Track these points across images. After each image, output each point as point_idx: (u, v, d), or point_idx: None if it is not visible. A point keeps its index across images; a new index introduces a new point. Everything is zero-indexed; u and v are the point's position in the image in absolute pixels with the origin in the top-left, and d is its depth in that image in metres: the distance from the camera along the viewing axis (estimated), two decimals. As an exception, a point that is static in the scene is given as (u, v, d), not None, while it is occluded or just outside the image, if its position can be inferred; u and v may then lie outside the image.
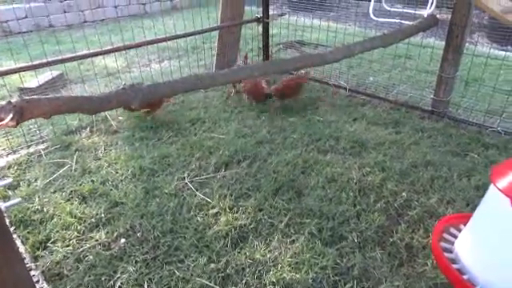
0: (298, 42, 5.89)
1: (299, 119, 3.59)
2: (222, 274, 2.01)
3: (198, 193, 2.61)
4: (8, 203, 1.97)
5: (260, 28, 4.86)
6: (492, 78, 4.27)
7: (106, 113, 3.62)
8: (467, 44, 3.86)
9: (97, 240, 2.23)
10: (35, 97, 1.59)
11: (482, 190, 2.49)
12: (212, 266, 2.06)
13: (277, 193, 2.60)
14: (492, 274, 1.85)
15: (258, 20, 4.71)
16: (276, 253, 2.13)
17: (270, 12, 4.72)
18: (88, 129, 3.48)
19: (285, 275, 1.99)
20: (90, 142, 3.25)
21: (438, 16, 3.52)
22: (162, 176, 2.79)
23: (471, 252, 1.97)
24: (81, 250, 2.17)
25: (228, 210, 2.44)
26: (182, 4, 9.16)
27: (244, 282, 1.98)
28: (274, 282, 1.96)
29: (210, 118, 3.62)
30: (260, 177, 2.75)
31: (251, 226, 2.31)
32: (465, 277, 1.91)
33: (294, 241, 2.21)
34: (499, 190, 1.77)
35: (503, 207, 1.74)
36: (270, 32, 4.95)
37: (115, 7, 8.26)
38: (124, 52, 4.59)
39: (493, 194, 1.85)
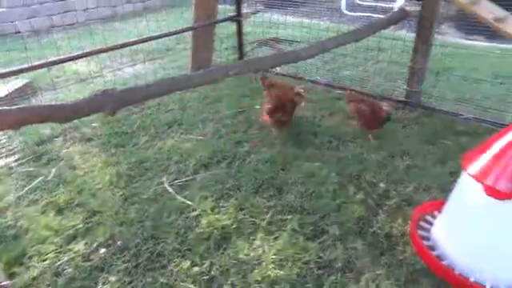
0: (273, 39, 5.89)
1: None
2: (207, 277, 2.00)
3: (178, 196, 2.58)
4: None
5: (234, 27, 4.85)
6: (461, 67, 4.40)
7: (79, 120, 3.53)
8: (436, 35, 3.96)
9: (76, 252, 2.18)
10: (5, 108, 1.54)
11: (455, 175, 2.53)
12: (196, 269, 2.04)
13: (257, 191, 2.60)
14: (468, 257, 1.91)
15: (231, 19, 4.69)
16: (260, 251, 2.14)
17: (243, 10, 4.72)
18: (61, 138, 3.38)
19: (269, 273, 1.99)
20: (63, 152, 3.16)
21: (407, 9, 3.59)
22: (140, 182, 2.75)
23: (448, 238, 2.03)
24: (59, 263, 2.11)
25: (209, 211, 2.43)
26: (154, 5, 9.04)
27: (229, 282, 1.97)
28: (258, 280, 1.96)
29: (187, 120, 3.59)
30: (240, 176, 2.75)
31: (233, 226, 2.31)
32: (444, 262, 1.97)
33: (276, 238, 2.22)
34: (471, 176, 1.83)
35: (475, 193, 1.80)
36: (244, 30, 4.95)
37: (84, 10, 8.07)
38: (96, 56, 4.48)
39: (465, 181, 1.91)
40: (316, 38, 5.03)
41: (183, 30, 4.28)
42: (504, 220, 1.76)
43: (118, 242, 2.22)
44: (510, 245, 1.79)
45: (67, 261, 2.12)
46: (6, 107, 1.58)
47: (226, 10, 6.03)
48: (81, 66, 4.72)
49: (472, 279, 1.86)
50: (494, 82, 4.02)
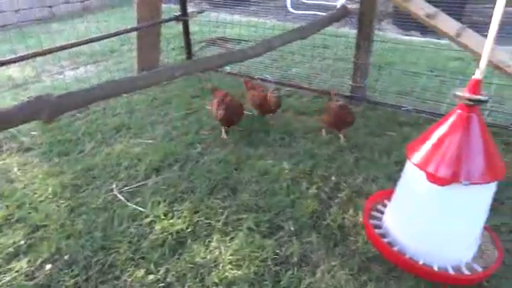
0: (221, 38, 5.86)
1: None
2: (163, 284, 1.94)
3: (129, 203, 2.48)
4: None
5: (180, 26, 4.76)
6: (401, 62, 4.64)
7: (14, 129, 3.28)
8: (377, 31, 4.15)
9: (18, 271, 2.02)
10: None
11: (400, 165, 2.68)
12: (151, 277, 1.98)
13: (212, 192, 2.57)
14: (416, 241, 2.02)
15: (176, 18, 4.59)
16: (216, 253, 2.11)
17: (189, 9, 4.63)
18: (-4, 149, 3.13)
19: (227, 274, 1.98)
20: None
21: (348, 6, 3.72)
22: (87, 191, 2.61)
23: (397, 224, 2.13)
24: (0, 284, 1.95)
25: (163, 216, 2.36)
26: (93, 5, 8.63)
27: (186, 287, 1.93)
28: (216, 282, 1.94)
29: (135, 124, 3.46)
30: (193, 178, 2.70)
31: (189, 230, 2.26)
32: (395, 248, 2.07)
33: (233, 238, 2.20)
34: (414, 164, 1.93)
35: (419, 180, 1.90)
36: (191, 30, 4.87)
37: (16, 11, 7.52)
38: (31, 60, 4.19)
39: (409, 169, 2.02)
40: (263, 36, 5.08)
41: (127, 31, 4.12)
42: (445, 204, 1.88)
43: (65, 257, 2.09)
44: (452, 226, 1.91)
45: (9, 281, 1.96)
46: None
47: (170, 9, 5.90)
48: (14, 71, 4.39)
49: (421, 262, 1.97)
50: (430, 75, 4.29)
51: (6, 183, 2.69)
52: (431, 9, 2.98)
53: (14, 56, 3.15)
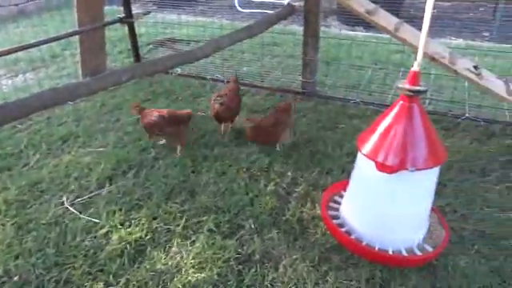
0: (169, 39, 5.76)
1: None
2: (124, 295, 1.89)
3: (81, 215, 2.38)
4: None
5: (126, 29, 4.61)
6: (347, 57, 4.82)
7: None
8: (322, 28, 4.27)
9: (-39, 298, 1.88)
10: None
11: (352, 156, 2.79)
12: (110, 289, 1.91)
13: (169, 197, 2.52)
14: (371, 228, 2.12)
15: (121, 21, 4.44)
16: (178, 258, 2.08)
17: (134, 11, 4.50)
18: None
19: (190, 278, 1.96)
20: None
21: (294, 4, 3.80)
22: (35, 206, 2.46)
23: (353, 213, 2.22)
24: None
25: (119, 225, 2.29)
26: (28, 9, 8.11)
27: (149, 296, 1.89)
28: (179, 287, 1.91)
29: (84, 132, 3.31)
30: (149, 184, 2.64)
31: (147, 237, 2.21)
32: (352, 237, 2.15)
33: (194, 241, 2.18)
34: (364, 155, 2.01)
35: (369, 169, 1.99)
36: (138, 32, 4.74)
37: None
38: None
39: (361, 160, 2.11)
40: (212, 36, 5.06)
41: (68, 35, 3.91)
42: (395, 190, 1.99)
43: (15, 278, 1.96)
44: (402, 211, 2.02)
45: (-49, 311, 1.82)
46: None
47: (114, 11, 5.72)
48: None
49: (377, 248, 2.07)
50: (374, 68, 4.50)
51: None
52: (371, 5, 3.12)
53: None
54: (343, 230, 2.20)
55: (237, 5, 7.70)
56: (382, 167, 1.93)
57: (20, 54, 3.80)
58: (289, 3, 3.83)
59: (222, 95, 3.09)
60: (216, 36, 4.56)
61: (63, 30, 3.91)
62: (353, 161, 2.24)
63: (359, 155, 2.12)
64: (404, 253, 2.06)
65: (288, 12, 3.73)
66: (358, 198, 2.21)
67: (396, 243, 2.08)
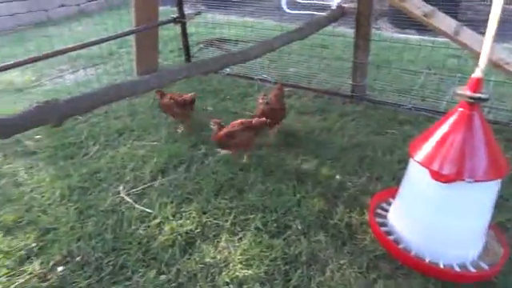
0: (218, 39, 5.88)
1: (229, 116, 3.60)
2: (174, 284, 1.97)
3: (136, 205, 2.51)
4: None
5: (178, 28, 4.78)
6: (398, 60, 4.70)
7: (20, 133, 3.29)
8: (373, 30, 4.19)
9: (30, 273, 2.04)
10: None
11: (403, 163, 2.73)
12: (162, 277, 2.01)
13: (218, 193, 2.60)
14: (422, 239, 2.06)
15: (174, 21, 4.61)
16: (226, 253, 2.15)
17: (186, 11, 4.65)
18: (0, 153, 3.14)
19: (237, 273, 2.01)
20: (5, 168, 2.94)
21: (345, 6, 3.77)
22: (94, 193, 2.63)
23: (402, 222, 2.17)
24: (13, 286, 1.97)
25: (171, 217, 2.39)
26: (90, 8, 8.61)
27: (198, 287, 1.96)
28: (227, 282, 1.97)
29: (138, 126, 3.48)
30: (199, 179, 2.73)
31: (197, 231, 2.29)
32: (400, 246, 2.11)
33: (241, 238, 2.24)
34: (418, 162, 1.97)
35: (423, 178, 1.94)
36: (188, 31, 4.89)
37: (12, 15, 7.49)
38: (31, 65, 4.19)
39: (413, 167, 2.06)
40: (260, 36, 5.12)
41: (125, 34, 4.13)
42: (450, 201, 1.92)
43: (77, 258, 2.12)
44: (456, 224, 1.95)
45: (22, 283, 1.99)
46: None
47: (167, 11, 5.92)
48: (15, 75, 4.38)
49: (427, 260, 2.01)
50: (428, 73, 4.35)
51: (13, 187, 2.71)
52: (428, 7, 3.02)
53: (15, 61, 3.16)
54: (391, 238, 2.16)
55: (284, 6, 7.72)
56: (436, 176, 1.88)
57: (81, 50, 4.04)
58: (340, 5, 3.80)
59: (268, 96, 3.13)
60: (264, 36, 4.61)
61: (119, 29, 4.13)
62: (404, 168, 2.20)
63: (411, 162, 2.08)
64: (456, 268, 1.98)
65: (339, 14, 3.71)
66: (409, 207, 2.16)
67: (448, 257, 2.00)
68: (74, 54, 4.63)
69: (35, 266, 2.08)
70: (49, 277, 2.03)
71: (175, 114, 3.36)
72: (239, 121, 2.88)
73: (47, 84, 4.49)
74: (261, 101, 3.10)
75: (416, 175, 2.04)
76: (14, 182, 2.76)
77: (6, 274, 2.04)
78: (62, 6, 8.26)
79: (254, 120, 2.84)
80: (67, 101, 1.98)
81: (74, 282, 1.98)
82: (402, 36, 5.97)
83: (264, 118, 2.84)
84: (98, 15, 7.60)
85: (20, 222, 2.39)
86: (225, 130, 2.82)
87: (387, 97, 3.86)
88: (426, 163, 1.93)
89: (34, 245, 2.21)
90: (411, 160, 2.06)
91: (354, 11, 3.64)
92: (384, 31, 6.40)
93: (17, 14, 7.54)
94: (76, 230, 2.31)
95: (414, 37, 5.91)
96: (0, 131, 1.78)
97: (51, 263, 2.09)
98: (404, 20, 5.60)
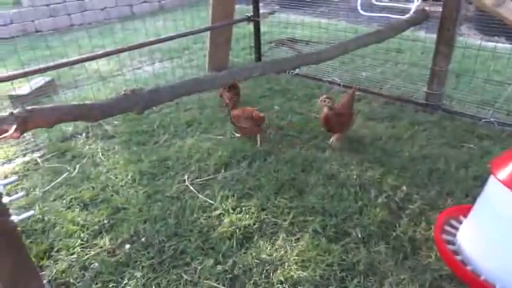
0: (290, 39, 5.89)
1: (296, 117, 3.59)
2: (230, 275, 2.02)
3: (199, 195, 2.61)
4: (21, 216, 1.76)
5: (250, 26, 4.86)
6: (483, 70, 4.33)
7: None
8: (457, 36, 3.91)
9: (101, 247, 2.22)
10: (37, 107, 1.57)
11: (479, 180, 2.53)
12: (219, 267, 2.06)
13: (278, 192, 2.61)
14: (496, 264, 1.89)
15: (248, 19, 4.70)
16: (282, 252, 2.15)
17: (261, 10, 4.72)
18: (84, 135, 3.44)
19: (292, 273, 2.00)
20: (86, 148, 3.22)
21: (428, 10, 3.56)
22: (162, 179, 2.78)
23: (474, 243, 2.00)
24: (86, 257, 2.16)
25: (231, 210, 2.45)
26: (171, 4, 9.10)
27: (252, 282, 1.99)
28: (281, 280, 1.98)
29: (205, 119, 3.62)
30: (260, 176, 2.76)
31: (255, 226, 2.32)
32: (468, 268, 1.95)
33: (298, 239, 2.23)
34: (500, 181, 1.80)
35: (504, 198, 1.77)
36: (261, 30, 4.95)
37: (102, 9, 8.17)
38: (116, 55, 4.54)
39: (493, 186, 1.89)
40: (332, 38, 5.03)
41: (201, 30, 4.30)
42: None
43: (143, 239, 2.26)
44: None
45: (93, 255, 2.17)
46: (38, 106, 1.61)
47: (242, 9, 6.05)
48: (102, 64, 4.77)
49: (498, 287, 1.84)
50: (516, 86, 3.96)
51: (92, 166, 2.96)
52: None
53: (102, 51, 3.44)
54: (458, 258, 2.01)
55: (359, 7, 7.49)
56: (521, 198, 1.70)
57: (160, 44, 4.29)
58: (422, 9, 3.60)
59: (331, 98, 3.02)
60: (336, 38, 4.52)
61: (196, 25, 4.30)
62: (480, 185, 2.02)
63: (492, 180, 1.90)
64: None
65: (422, 18, 3.52)
66: (484, 229, 1.98)
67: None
68: (152, 47, 4.93)
69: (106, 242, 2.25)
70: (117, 252, 2.19)
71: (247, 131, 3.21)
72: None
73: (127, 74, 4.83)
74: (321, 103, 3.01)
75: (496, 195, 1.87)
76: (93, 162, 3.02)
77: (81, 245, 2.24)
78: (145, 2, 8.83)
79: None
80: (150, 91, 2.11)
81: (137, 261, 2.12)
82: (489, 44, 5.50)
83: None
84: (178, 11, 8.00)
85: (95, 199, 2.60)
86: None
87: (466, 108, 3.59)
88: (510, 183, 1.76)
89: (105, 221, 2.40)
90: (492, 178, 1.89)
91: (438, 15, 3.43)
92: (467, 37, 5.95)
93: (106, 8, 8.21)
94: (143, 212, 2.46)
95: (503, 45, 5.41)
96: (92, 115, 1.94)
97: (119, 240, 2.26)
98: (492, 26, 5.16)
